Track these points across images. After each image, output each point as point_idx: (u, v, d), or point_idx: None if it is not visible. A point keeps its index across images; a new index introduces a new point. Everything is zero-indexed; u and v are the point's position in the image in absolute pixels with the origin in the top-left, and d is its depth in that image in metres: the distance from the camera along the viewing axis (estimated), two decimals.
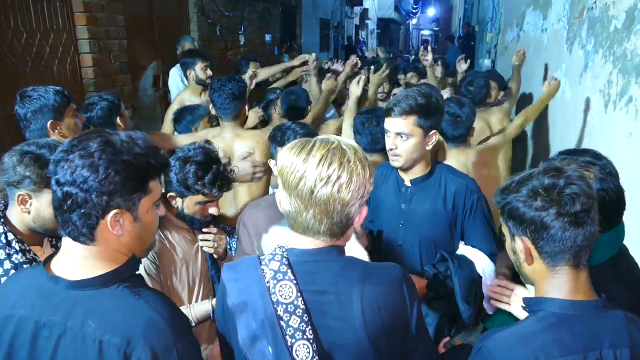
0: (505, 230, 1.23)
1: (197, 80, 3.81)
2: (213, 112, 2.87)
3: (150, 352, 1.02)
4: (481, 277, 1.92)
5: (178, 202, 1.85)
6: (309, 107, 3.56)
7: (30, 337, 1.06)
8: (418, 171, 1.99)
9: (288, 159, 1.14)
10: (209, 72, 3.78)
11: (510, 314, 1.52)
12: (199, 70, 3.77)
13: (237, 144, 2.76)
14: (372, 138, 2.56)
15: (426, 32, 37.51)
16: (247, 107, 2.87)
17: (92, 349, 1.03)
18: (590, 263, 1.28)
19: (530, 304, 1.20)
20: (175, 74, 4.74)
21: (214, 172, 1.77)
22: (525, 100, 4.95)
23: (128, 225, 1.11)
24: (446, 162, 2.36)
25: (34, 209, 1.52)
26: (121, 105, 2.76)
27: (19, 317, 1.07)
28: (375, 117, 2.56)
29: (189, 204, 1.84)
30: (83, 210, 1.06)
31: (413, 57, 13.83)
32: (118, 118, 2.69)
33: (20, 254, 1.53)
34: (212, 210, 1.87)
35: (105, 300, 1.07)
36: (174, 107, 3.67)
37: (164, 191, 1.80)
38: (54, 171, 1.06)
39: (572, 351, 1.06)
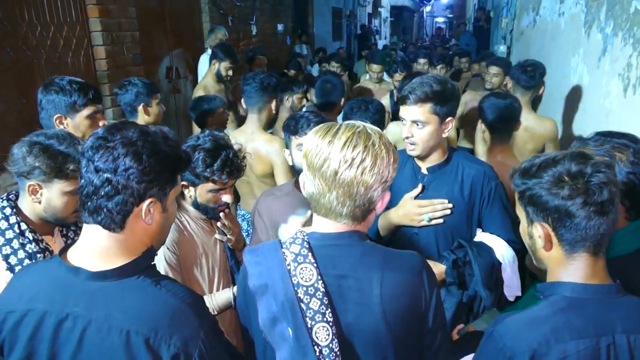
0: (520, 213, 1.20)
1: (216, 73, 4.14)
2: (244, 105, 2.88)
3: (180, 340, 1.05)
4: (500, 263, 1.89)
5: (191, 191, 1.86)
6: (342, 102, 3.52)
7: (51, 330, 1.06)
8: (434, 158, 1.97)
9: (313, 141, 1.15)
10: (230, 73, 4.17)
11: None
12: (223, 67, 4.12)
13: (252, 144, 2.74)
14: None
15: (440, 19, 37.05)
16: (273, 105, 2.87)
17: (119, 339, 1.04)
18: (615, 253, 1.25)
19: (543, 290, 1.18)
20: (205, 60, 4.85)
21: (222, 159, 1.76)
22: None
23: (157, 214, 1.14)
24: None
25: (44, 198, 1.54)
26: (152, 95, 2.77)
27: (38, 310, 1.08)
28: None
29: (201, 192, 1.83)
30: (122, 196, 1.07)
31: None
32: (142, 105, 2.73)
33: (33, 243, 1.55)
34: (225, 198, 1.86)
35: (128, 290, 1.09)
36: (199, 92, 3.96)
37: None
38: (91, 157, 1.07)
39: (583, 335, 1.04)
